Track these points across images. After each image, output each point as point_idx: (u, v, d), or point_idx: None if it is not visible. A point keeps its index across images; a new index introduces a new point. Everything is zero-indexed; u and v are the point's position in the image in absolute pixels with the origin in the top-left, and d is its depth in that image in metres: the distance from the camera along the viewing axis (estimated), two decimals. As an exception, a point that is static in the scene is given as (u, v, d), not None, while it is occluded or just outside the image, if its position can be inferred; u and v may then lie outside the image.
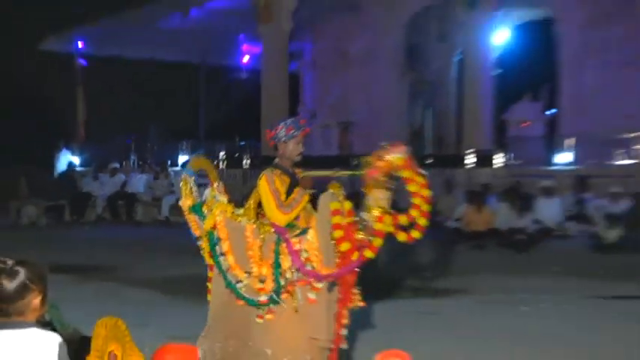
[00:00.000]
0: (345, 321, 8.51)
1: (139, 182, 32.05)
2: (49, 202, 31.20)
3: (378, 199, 8.04)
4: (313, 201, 8.63)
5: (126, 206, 31.12)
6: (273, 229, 8.36)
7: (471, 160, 27.81)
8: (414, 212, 8.11)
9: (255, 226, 8.42)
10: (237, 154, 33.63)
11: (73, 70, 35.82)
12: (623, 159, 28.22)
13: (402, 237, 8.16)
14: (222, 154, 33.49)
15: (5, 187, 32.85)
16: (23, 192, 30.87)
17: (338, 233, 8.07)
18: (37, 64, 39.94)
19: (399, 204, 8.25)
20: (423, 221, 8.08)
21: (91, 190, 31.78)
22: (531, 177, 26.75)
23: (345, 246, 8.05)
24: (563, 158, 29.25)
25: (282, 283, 8.28)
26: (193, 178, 8.63)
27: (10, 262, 4.81)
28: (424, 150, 33.21)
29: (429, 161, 28.52)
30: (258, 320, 8.33)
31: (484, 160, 27.82)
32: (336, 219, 8.09)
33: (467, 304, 13.86)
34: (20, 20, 40.73)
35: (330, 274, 8.23)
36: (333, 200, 8.14)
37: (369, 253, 8.07)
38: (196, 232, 8.56)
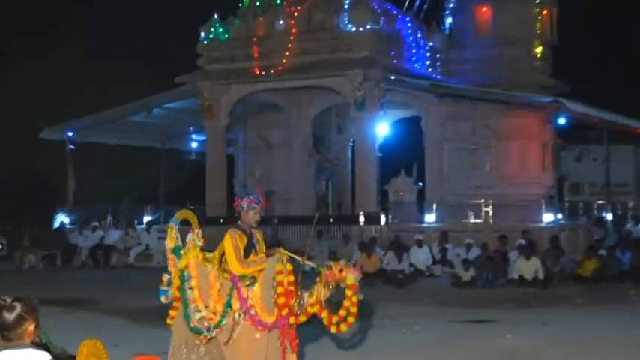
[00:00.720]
0: None
1: (113, 236, 31.60)
2: (46, 252, 30.55)
3: (320, 292, 8.02)
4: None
5: (104, 255, 30.42)
6: (229, 277, 8.34)
7: (362, 219, 27.70)
8: (342, 312, 7.97)
9: (217, 272, 8.37)
10: None
11: (65, 153, 35.22)
12: (473, 218, 28.51)
13: (333, 329, 8.12)
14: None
15: (12, 241, 32.60)
16: (25, 244, 30.34)
17: (280, 289, 8.03)
18: (38, 149, 39.21)
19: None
20: (352, 319, 8.00)
21: (77, 242, 31.24)
22: (407, 232, 26.87)
23: (281, 300, 8.02)
24: (430, 218, 29.41)
25: (224, 321, 8.27)
26: (177, 226, 8.70)
27: (8, 299, 4.82)
28: (328, 212, 33.16)
29: (332, 220, 29.14)
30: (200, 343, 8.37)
31: (372, 219, 27.88)
32: (279, 277, 8.04)
33: (363, 327, 13.68)
34: (26, 117, 40.02)
35: (268, 324, 8.17)
36: (278, 262, 8.07)
37: (292, 320, 8.12)
38: (171, 269, 8.63)
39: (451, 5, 35.38)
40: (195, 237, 8.55)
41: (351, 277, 8.00)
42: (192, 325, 8.48)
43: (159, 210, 35.91)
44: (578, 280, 22.29)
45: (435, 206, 29.84)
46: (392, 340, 12.97)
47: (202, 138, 35.45)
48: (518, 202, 29.84)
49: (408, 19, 32.68)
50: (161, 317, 14.67)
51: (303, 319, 8.26)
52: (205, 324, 8.36)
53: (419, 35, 33.09)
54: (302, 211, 30.46)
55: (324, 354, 11.18)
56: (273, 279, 8.21)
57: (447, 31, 35.53)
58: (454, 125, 31.97)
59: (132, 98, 34.14)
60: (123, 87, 38.60)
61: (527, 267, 22.30)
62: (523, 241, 24.34)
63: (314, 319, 8.41)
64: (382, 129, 31.89)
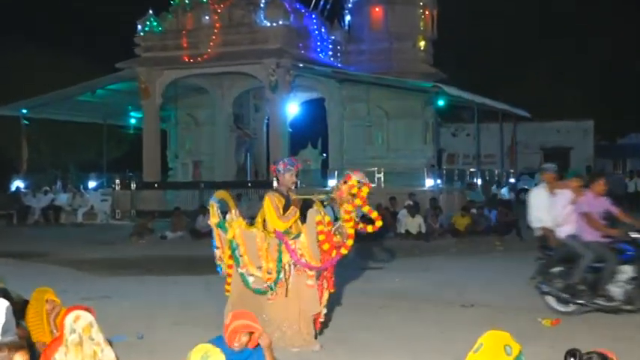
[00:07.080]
0: (324, 302, 8.53)
1: (62, 199, 31.04)
2: (3, 212, 30.64)
3: (346, 210, 7.92)
4: (302, 215, 8.56)
5: (54, 214, 30.08)
6: (274, 235, 8.30)
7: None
8: (373, 214, 7.99)
9: (262, 234, 8.34)
10: (127, 181, 32.11)
11: (19, 127, 34.27)
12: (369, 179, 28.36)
13: (369, 229, 8.13)
14: (117, 181, 31.96)
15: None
16: (-17, 205, 30.87)
17: (321, 237, 8.03)
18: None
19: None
20: (379, 223, 8.02)
21: (31, 204, 30.69)
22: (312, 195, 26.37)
23: (326, 246, 8.05)
24: (332, 183, 27.76)
25: (281, 276, 8.20)
26: (217, 204, 8.64)
27: None
28: (247, 178, 33.25)
29: (250, 185, 28.87)
30: (269, 301, 8.30)
31: (284, 183, 27.08)
32: (320, 227, 8.05)
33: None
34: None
35: (319, 266, 8.21)
36: (317, 214, 8.12)
37: (344, 250, 8.08)
38: (217, 243, 8.62)
39: (350, 5, 35.07)
40: (233, 216, 8.45)
41: (354, 177, 7.90)
42: (253, 287, 8.40)
43: (102, 176, 35.49)
44: (454, 234, 22.46)
45: (336, 173, 29.26)
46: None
47: (139, 115, 34.50)
48: (405, 170, 30.03)
49: (313, 16, 32.59)
50: (102, 267, 16.93)
51: (344, 251, 8.13)
52: (265, 285, 8.26)
53: (323, 30, 33.05)
54: (224, 177, 30.22)
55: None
56: (315, 229, 8.12)
57: (347, 27, 35.26)
58: (352, 106, 32.46)
59: (78, 81, 33.09)
60: (70, 72, 37.26)
61: (412, 223, 22.50)
62: (410, 202, 24.12)
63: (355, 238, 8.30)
64: (292, 108, 32.04)
